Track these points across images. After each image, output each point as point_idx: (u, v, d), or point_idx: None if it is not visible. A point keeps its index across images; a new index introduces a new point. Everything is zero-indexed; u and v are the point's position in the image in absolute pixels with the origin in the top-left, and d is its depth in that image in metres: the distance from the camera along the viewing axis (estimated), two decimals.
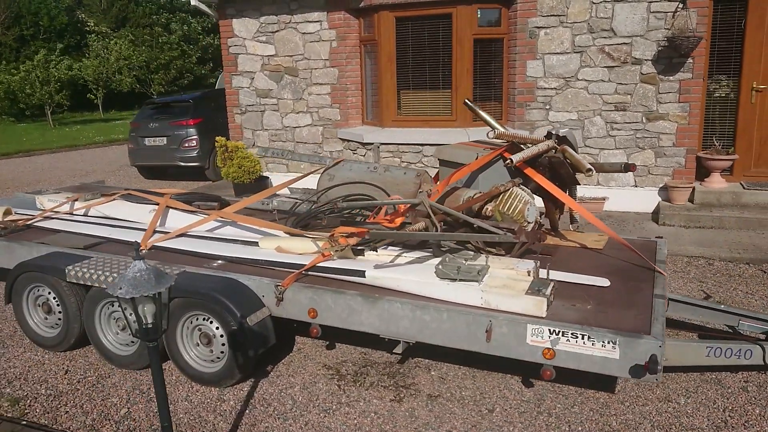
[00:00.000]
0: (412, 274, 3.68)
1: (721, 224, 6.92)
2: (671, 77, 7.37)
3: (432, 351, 4.30)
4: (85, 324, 4.29)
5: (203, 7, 9.42)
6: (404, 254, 3.99)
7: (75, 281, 4.19)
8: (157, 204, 5.23)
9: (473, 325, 3.41)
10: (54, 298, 4.45)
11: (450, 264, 3.60)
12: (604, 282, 3.80)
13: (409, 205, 3.99)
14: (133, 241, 4.68)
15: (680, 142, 7.49)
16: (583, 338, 3.18)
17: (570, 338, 3.21)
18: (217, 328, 3.90)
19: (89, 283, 4.14)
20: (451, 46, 8.10)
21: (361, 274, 3.79)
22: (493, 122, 4.71)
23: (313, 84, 9.08)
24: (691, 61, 7.23)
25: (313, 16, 8.83)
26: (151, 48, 29.68)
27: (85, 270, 4.13)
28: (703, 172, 7.49)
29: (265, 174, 9.28)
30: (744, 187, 7.25)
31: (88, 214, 5.44)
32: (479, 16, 8.03)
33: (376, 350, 4.40)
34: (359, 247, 4.05)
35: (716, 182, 7.33)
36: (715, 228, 6.92)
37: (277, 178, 9.23)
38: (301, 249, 4.23)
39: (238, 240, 4.56)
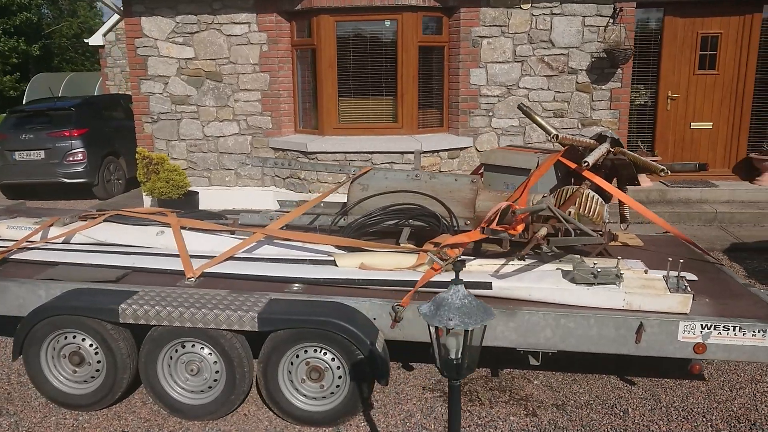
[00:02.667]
0: (544, 282, 3.58)
1: (645, 220, 7.64)
2: (603, 86, 8.01)
3: (491, 360, 4.22)
4: (142, 372, 3.55)
5: (108, 2, 8.32)
6: (510, 263, 3.87)
7: (132, 321, 3.46)
8: (161, 224, 4.51)
9: (622, 328, 3.41)
10: (90, 346, 3.62)
11: (584, 268, 3.56)
12: (692, 276, 4.01)
13: (527, 212, 3.86)
14: (169, 269, 3.98)
15: None
16: (734, 330, 3.33)
17: (722, 331, 3.34)
18: (333, 359, 3.46)
19: (154, 322, 3.44)
20: (395, 52, 8.02)
21: (487, 286, 3.60)
22: (548, 127, 4.75)
23: (241, 90, 8.44)
24: (621, 71, 7.92)
25: (241, 18, 8.21)
26: None
27: (146, 307, 3.43)
28: None
29: (192, 189, 8.42)
30: (667, 186, 8.09)
31: (70, 242, 4.52)
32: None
33: None
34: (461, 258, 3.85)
35: (644, 182, 8.09)
36: (649, 223, 7.62)
37: (204, 193, 8.42)
38: (390, 264, 3.91)
39: (305, 260, 4.08)
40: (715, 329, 3.34)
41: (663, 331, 3.38)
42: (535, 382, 4.00)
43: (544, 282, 3.58)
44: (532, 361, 3.57)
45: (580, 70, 7.98)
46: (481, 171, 5.14)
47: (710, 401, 3.75)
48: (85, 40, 20.23)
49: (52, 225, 4.58)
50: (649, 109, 8.31)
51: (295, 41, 8.36)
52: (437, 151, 8.04)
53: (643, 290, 3.48)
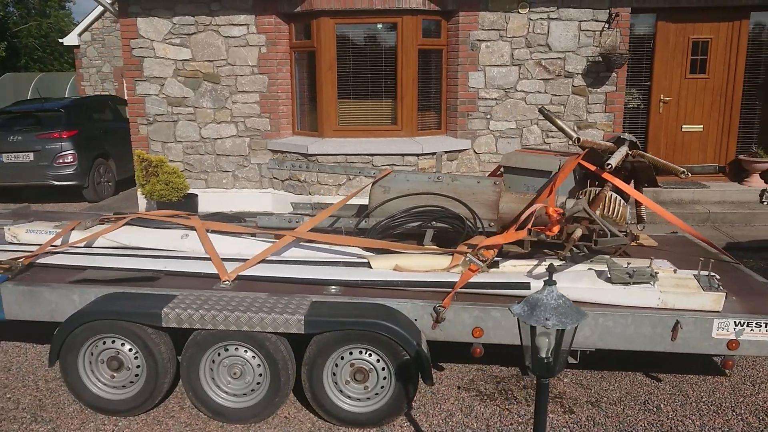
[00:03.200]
0: (581, 282, 3.66)
1: (650, 219, 7.84)
2: (599, 89, 8.18)
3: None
4: (184, 377, 3.53)
5: (104, 2, 8.20)
6: (542, 264, 3.95)
7: (175, 325, 3.44)
8: (185, 227, 4.49)
9: (659, 326, 3.51)
10: (130, 350, 3.59)
11: (619, 268, 3.66)
12: (715, 275, 4.14)
13: (563, 214, 3.95)
14: (203, 272, 3.97)
15: None
16: (766, 326, 3.46)
17: (754, 328, 3.47)
18: (378, 360, 3.49)
19: (198, 326, 3.43)
20: (395, 55, 8.07)
21: (526, 286, 3.67)
22: (569, 130, 4.85)
23: (239, 92, 8.40)
24: (615, 75, 8.11)
25: (239, 19, 8.17)
26: None
27: (189, 311, 3.42)
28: None
29: (191, 191, 8.34)
30: (661, 187, 8.27)
31: (92, 246, 4.47)
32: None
33: (476, 364, 4.27)
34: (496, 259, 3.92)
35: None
36: (658, 223, 7.82)
37: (201, 196, 8.34)
38: (425, 266, 3.96)
39: (339, 262, 4.10)
40: (747, 326, 3.47)
41: (698, 328, 3.49)
42: (566, 380, 4.09)
43: (581, 282, 3.67)
44: (570, 360, 3.65)
45: (576, 73, 8.14)
46: (499, 173, 5.22)
47: (736, 396, 3.89)
48: (60, 40, 19.81)
49: (73, 229, 4.52)
50: (642, 112, 8.52)
51: (293, 43, 8.35)
52: (435, 154, 8.10)
53: (677, 289, 3.59)
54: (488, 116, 8.30)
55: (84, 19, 19.79)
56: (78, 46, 19.65)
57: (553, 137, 8.31)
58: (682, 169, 4.39)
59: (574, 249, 4.08)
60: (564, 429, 3.51)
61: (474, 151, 8.37)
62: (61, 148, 9.44)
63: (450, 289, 3.67)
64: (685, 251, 4.77)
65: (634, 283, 3.61)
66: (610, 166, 4.36)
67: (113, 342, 3.60)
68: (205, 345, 3.50)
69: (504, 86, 8.21)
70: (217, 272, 3.95)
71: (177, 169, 7.83)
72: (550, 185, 4.43)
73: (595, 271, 3.80)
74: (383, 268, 3.98)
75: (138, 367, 3.61)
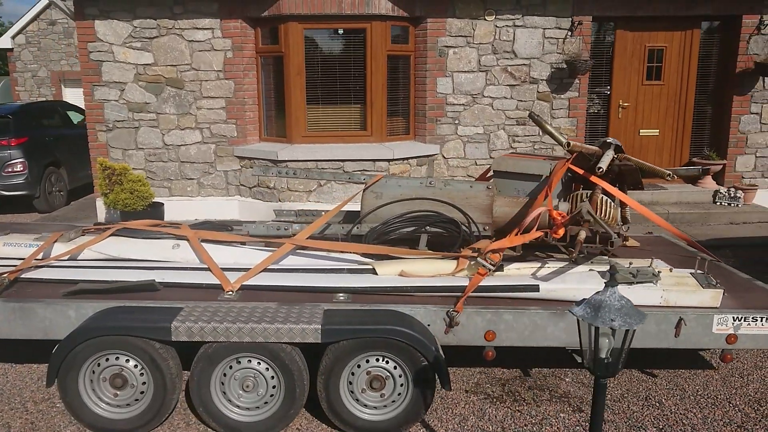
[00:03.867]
0: (587, 283, 3.75)
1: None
2: (562, 95, 8.41)
3: (518, 360, 4.39)
4: (194, 392, 3.41)
5: (60, 4, 7.86)
6: (546, 265, 4.02)
7: (185, 339, 3.32)
8: (176, 237, 4.35)
9: (663, 324, 3.63)
10: (135, 367, 3.44)
11: (622, 269, 3.77)
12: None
13: (569, 215, 4.02)
14: (204, 283, 3.85)
15: None
16: (761, 320, 3.63)
17: (750, 322, 3.64)
18: (395, 367, 3.47)
19: (210, 339, 3.32)
20: (365, 61, 8.06)
21: (535, 288, 3.73)
22: (558, 135, 4.94)
23: (204, 97, 8.21)
24: (578, 81, 8.36)
25: (204, 23, 7.99)
26: None
27: (201, 323, 3.31)
28: None
29: (157, 200, 8.07)
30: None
31: (77, 258, 4.26)
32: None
33: (478, 367, 4.31)
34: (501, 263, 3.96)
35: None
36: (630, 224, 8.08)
37: (167, 204, 8.09)
38: (430, 271, 3.96)
39: (343, 269, 4.06)
40: (744, 320, 3.63)
41: (699, 324, 3.63)
42: (567, 379, 4.17)
43: (587, 283, 3.75)
44: (579, 359, 3.72)
45: (541, 79, 8.35)
46: (488, 177, 5.28)
47: (728, 388, 4.06)
48: None
49: (55, 241, 4.30)
50: (602, 118, 8.80)
51: (260, 48, 8.23)
52: (407, 159, 8.14)
53: (677, 287, 3.72)
54: (456, 122, 8.40)
55: (18, 21, 18.93)
56: (11, 50, 18.77)
57: (519, 142, 8.49)
58: (668, 172, 4.56)
59: (566, 250, 4.17)
60: (577, 428, 3.58)
61: (443, 156, 8.45)
62: (9, 156, 8.98)
63: (459, 294, 3.70)
64: (665, 250, 4.96)
65: (637, 283, 3.72)
66: (601, 170, 4.48)
67: (117, 358, 3.43)
68: (216, 358, 3.39)
69: (471, 92, 8.33)
70: (218, 282, 3.83)
71: (142, 177, 7.59)
72: (545, 189, 4.52)
73: (598, 272, 3.90)
74: (389, 274, 3.96)
75: (144, 383, 3.46)
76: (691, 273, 3.91)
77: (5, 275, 3.83)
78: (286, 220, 5.48)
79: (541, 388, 4.03)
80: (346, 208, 5.34)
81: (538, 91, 8.38)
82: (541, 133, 8.48)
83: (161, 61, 8.08)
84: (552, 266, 4.04)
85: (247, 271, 3.95)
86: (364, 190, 4.90)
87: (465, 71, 8.27)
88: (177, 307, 3.53)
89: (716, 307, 3.68)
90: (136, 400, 3.48)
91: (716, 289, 3.70)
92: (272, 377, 3.45)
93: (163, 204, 7.84)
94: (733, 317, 3.63)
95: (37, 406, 3.81)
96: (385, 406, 3.52)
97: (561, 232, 3.93)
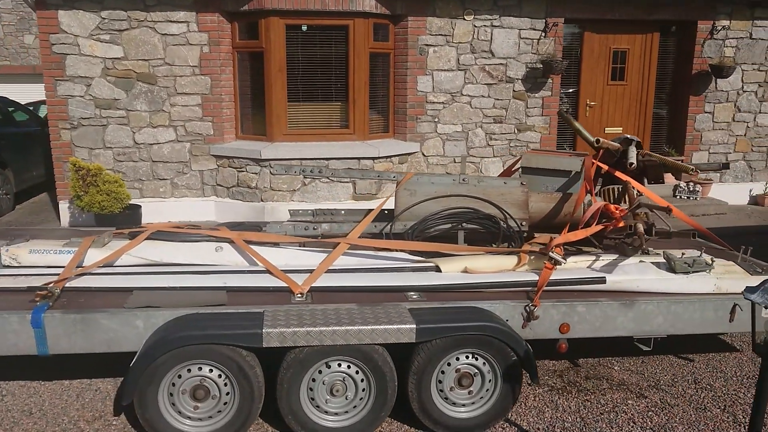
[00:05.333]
0: (648, 274, 3.90)
1: None
2: (536, 94, 8.67)
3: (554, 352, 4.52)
4: (283, 399, 3.27)
5: None
6: (601, 257, 4.15)
7: (277, 345, 3.18)
8: (217, 239, 4.15)
9: (720, 310, 3.85)
10: (220, 377, 3.25)
11: (679, 259, 3.95)
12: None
13: (626, 210, 4.14)
14: (272, 286, 3.69)
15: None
16: None
17: None
18: (484, 363, 3.47)
19: (302, 343, 3.20)
20: (347, 58, 7.97)
21: (602, 280, 3.84)
22: (586, 133, 5.08)
23: (178, 94, 7.84)
24: (551, 81, 8.64)
25: (178, 16, 7.63)
26: None
27: (294, 328, 3.18)
28: None
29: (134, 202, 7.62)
30: None
31: (113, 264, 3.98)
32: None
33: None
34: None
35: None
36: None
37: (146, 206, 7.66)
38: (492, 267, 3.99)
39: (405, 268, 4.00)
40: None
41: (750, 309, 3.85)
42: (615, 367, 4.32)
43: (648, 274, 3.91)
44: (644, 348, 3.88)
45: (517, 79, 8.57)
46: (511, 173, 5.37)
47: (751, 367, 4.34)
48: None
49: (89, 247, 3.98)
50: (572, 116, 9.13)
51: (237, 43, 7.95)
52: (389, 157, 8.13)
53: (728, 275, 3.95)
54: (436, 120, 8.47)
55: None
56: None
57: (496, 140, 8.67)
58: (692, 167, 4.81)
59: (595, 242, 4.32)
60: (650, 413, 3.72)
61: (423, 153, 8.50)
62: None
63: (529, 289, 3.76)
64: (682, 243, 5.21)
65: (693, 272, 3.92)
66: (633, 165, 4.68)
67: (200, 369, 3.23)
68: (308, 363, 3.26)
69: (451, 90, 8.43)
70: (285, 285, 3.69)
71: (118, 177, 7.19)
72: (584, 184, 4.65)
73: (653, 263, 4.07)
74: (453, 271, 3.96)
75: (227, 394, 3.27)
76: (734, 262, 4.15)
77: (51, 285, 3.52)
78: (301, 219, 5.34)
79: (597, 378, 4.15)
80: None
81: (513, 90, 8.60)
82: (516, 131, 8.70)
83: (132, 55, 7.64)
84: (605, 259, 4.17)
85: (311, 272, 3.83)
86: (397, 188, 4.86)
87: (445, 70, 8.35)
88: (257, 312, 3.38)
89: None
90: (219, 411, 3.29)
91: (762, 274, 3.95)
92: (362, 380, 3.37)
93: (140, 206, 7.44)
94: None
95: (91, 425, 3.52)
96: (473, 403, 3.52)
97: (622, 224, 4.07)
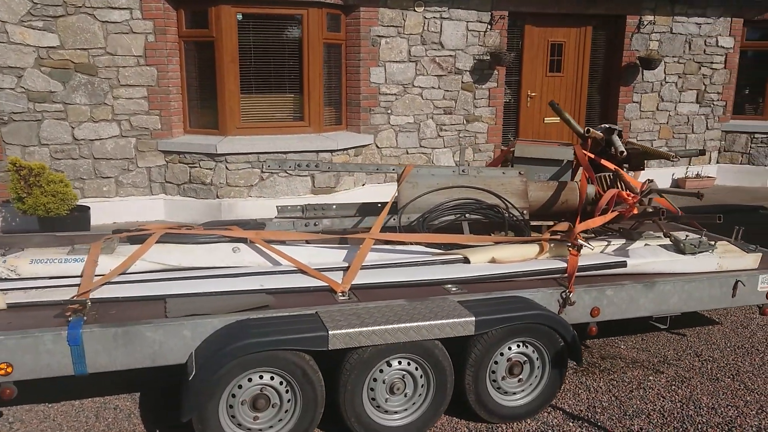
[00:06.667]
0: (661, 256, 4.13)
1: None
2: (483, 86, 8.87)
3: None
4: (346, 401, 3.18)
5: None
6: (612, 242, 4.34)
7: (342, 346, 3.08)
8: (232, 240, 3.96)
9: (725, 287, 4.14)
10: (281, 383, 3.10)
11: (686, 241, 4.21)
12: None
13: (637, 196, 4.32)
14: (312, 286, 3.57)
15: (490, 139, 9.09)
16: None
17: None
18: (533, 351, 3.54)
19: (367, 343, 3.12)
20: (301, 49, 7.78)
21: (623, 264, 4.02)
22: (576, 124, 5.23)
23: (122, 86, 7.32)
24: (497, 72, 8.88)
25: (120, 2, 7.12)
26: None
27: (357, 328, 3.10)
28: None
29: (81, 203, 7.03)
30: None
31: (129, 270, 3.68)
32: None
33: None
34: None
35: None
36: None
37: (100, 207, 7.10)
38: (517, 256, 4.07)
39: (435, 261, 3.98)
40: None
41: (750, 284, 4.19)
42: (622, 346, 4.55)
43: (661, 256, 4.13)
44: (661, 326, 4.11)
45: (465, 70, 8.73)
46: (501, 163, 5.47)
47: (738, 337, 4.72)
48: None
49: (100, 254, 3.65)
50: (514, 107, 9.44)
51: (183, 32, 7.54)
52: (347, 149, 8.04)
53: (728, 254, 4.26)
54: (389, 111, 8.46)
55: None
56: None
57: (446, 131, 8.80)
58: (673, 154, 5.13)
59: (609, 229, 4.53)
60: (672, 386, 3.95)
61: (376, 145, 8.48)
62: None
63: (557, 276, 3.88)
64: (647, 225, 5.52)
65: (699, 252, 4.19)
66: (623, 153, 4.91)
67: (261, 377, 3.07)
68: (371, 363, 3.18)
69: (402, 82, 8.45)
70: (324, 284, 3.58)
71: (63, 176, 6.62)
72: (584, 173, 4.83)
73: (661, 245, 4.31)
74: (481, 262, 4.00)
75: (289, 401, 3.13)
76: (728, 240, 4.48)
77: (78, 297, 3.20)
78: (289, 216, 5.18)
79: (612, 357, 4.36)
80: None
81: (462, 82, 8.75)
82: (465, 122, 8.87)
83: (69, 43, 7.05)
84: (615, 243, 4.37)
85: (336, 270, 3.74)
86: (399, 181, 4.83)
87: (396, 61, 8.35)
88: (309, 314, 3.25)
89: (756, 269, 4.27)
90: (280, 420, 3.15)
91: (756, 253, 4.29)
92: (421, 376, 3.34)
93: (89, 207, 6.89)
94: None
95: None
96: (523, 390, 3.58)
97: (636, 210, 4.27)
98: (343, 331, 3.07)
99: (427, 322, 3.20)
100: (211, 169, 7.49)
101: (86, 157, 7.36)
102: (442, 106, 8.71)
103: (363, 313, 3.27)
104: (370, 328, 3.11)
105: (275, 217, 4.86)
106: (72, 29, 7.02)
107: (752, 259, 4.27)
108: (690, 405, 3.74)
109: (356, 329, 3.09)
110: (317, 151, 7.75)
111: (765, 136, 10.14)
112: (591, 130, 5.12)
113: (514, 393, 3.57)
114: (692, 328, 4.90)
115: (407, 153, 8.66)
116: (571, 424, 3.53)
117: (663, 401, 3.78)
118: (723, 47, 10.02)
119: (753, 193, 9.68)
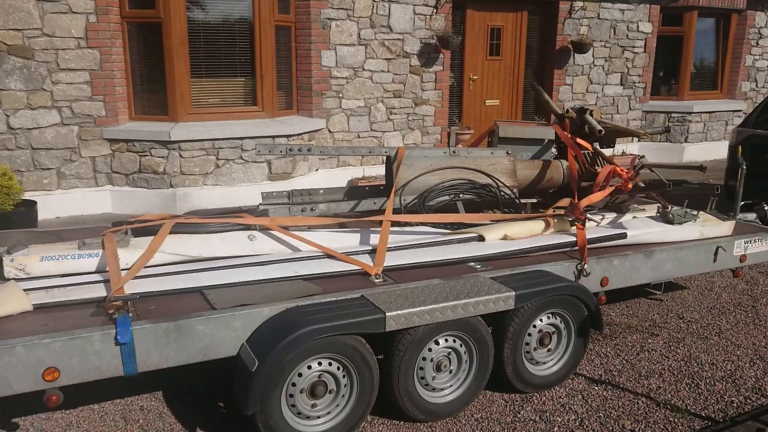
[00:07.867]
0: (654, 227, 4.41)
1: None
2: (430, 69, 8.99)
3: None
4: (399, 382, 3.19)
5: None
6: (606, 215, 4.58)
7: (397, 327, 3.09)
8: (245, 227, 3.85)
9: (708, 253, 4.49)
10: (338, 369, 3.05)
11: (674, 211, 4.52)
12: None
13: (632, 171, 4.54)
14: (347, 270, 3.53)
15: (437, 122, 9.24)
16: (759, 241, 4.73)
17: (753, 243, 4.71)
18: (561, 321, 3.69)
19: (418, 323, 3.14)
20: (252, 31, 7.54)
21: (623, 236, 4.25)
22: (554, 105, 5.40)
23: (62, 70, 6.81)
24: (443, 56, 9.01)
25: None
26: None
27: (410, 309, 3.12)
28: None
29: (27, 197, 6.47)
30: None
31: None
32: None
33: None
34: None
35: None
36: None
37: (40, 200, 6.56)
38: (526, 232, 4.21)
39: (453, 240, 4.04)
40: (752, 242, 4.68)
41: (729, 250, 4.56)
42: (612, 313, 4.82)
43: (654, 227, 4.42)
44: (657, 293, 4.39)
45: (413, 54, 8.80)
46: (480, 143, 5.60)
47: (709, 300, 5.14)
48: None
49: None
50: (457, 89, 9.63)
51: (126, 12, 7.12)
52: (302, 134, 7.91)
53: (707, 222, 4.61)
54: (340, 95, 8.40)
55: None
56: None
57: (396, 114, 8.85)
58: (643, 132, 5.46)
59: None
60: (671, 347, 4.25)
61: (329, 130, 8.40)
62: None
63: (566, 250, 4.06)
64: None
65: (684, 222, 4.51)
66: (602, 132, 5.17)
67: (320, 364, 3.01)
68: (422, 342, 3.20)
69: (353, 65, 8.40)
70: (357, 268, 3.55)
71: (7, 168, 6.10)
72: (570, 151, 5.04)
73: (649, 216, 4.59)
74: (495, 239, 4.10)
75: (346, 386, 3.10)
76: (704, 211, 4.85)
77: (115, 293, 2.99)
78: (275, 202, 5.07)
79: (608, 324, 4.61)
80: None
81: (410, 65, 8.82)
82: (413, 105, 8.95)
83: (1, 24, 6.45)
84: (608, 216, 4.61)
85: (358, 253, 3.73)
86: (393, 164, 4.85)
87: (347, 44, 8.29)
88: (357, 297, 3.22)
89: (730, 235, 4.65)
90: (337, 405, 3.11)
91: (731, 220, 4.68)
92: (465, 352, 3.40)
93: (35, 202, 6.38)
94: (744, 241, 4.64)
95: None
96: (552, 359, 3.73)
97: (630, 185, 4.51)
98: (399, 312, 3.07)
99: (474, 299, 3.26)
100: (163, 157, 7.14)
101: (23, 148, 6.80)
102: (391, 90, 8.75)
103: (408, 294, 3.28)
104: (422, 308, 3.13)
105: (260, 204, 4.73)
106: (3, 8, 6.43)
107: (727, 227, 4.65)
108: (692, 362, 4.05)
109: (410, 309, 3.10)
110: (273, 137, 7.57)
111: (680, 115, 10.95)
112: (569, 110, 5.34)
113: (545, 363, 3.71)
114: (665, 294, 5.26)
115: (359, 137, 8.64)
116: (596, 387, 3.73)
117: (668, 361, 4.06)
118: (643, 32, 10.69)
119: (672, 169, 10.43)
